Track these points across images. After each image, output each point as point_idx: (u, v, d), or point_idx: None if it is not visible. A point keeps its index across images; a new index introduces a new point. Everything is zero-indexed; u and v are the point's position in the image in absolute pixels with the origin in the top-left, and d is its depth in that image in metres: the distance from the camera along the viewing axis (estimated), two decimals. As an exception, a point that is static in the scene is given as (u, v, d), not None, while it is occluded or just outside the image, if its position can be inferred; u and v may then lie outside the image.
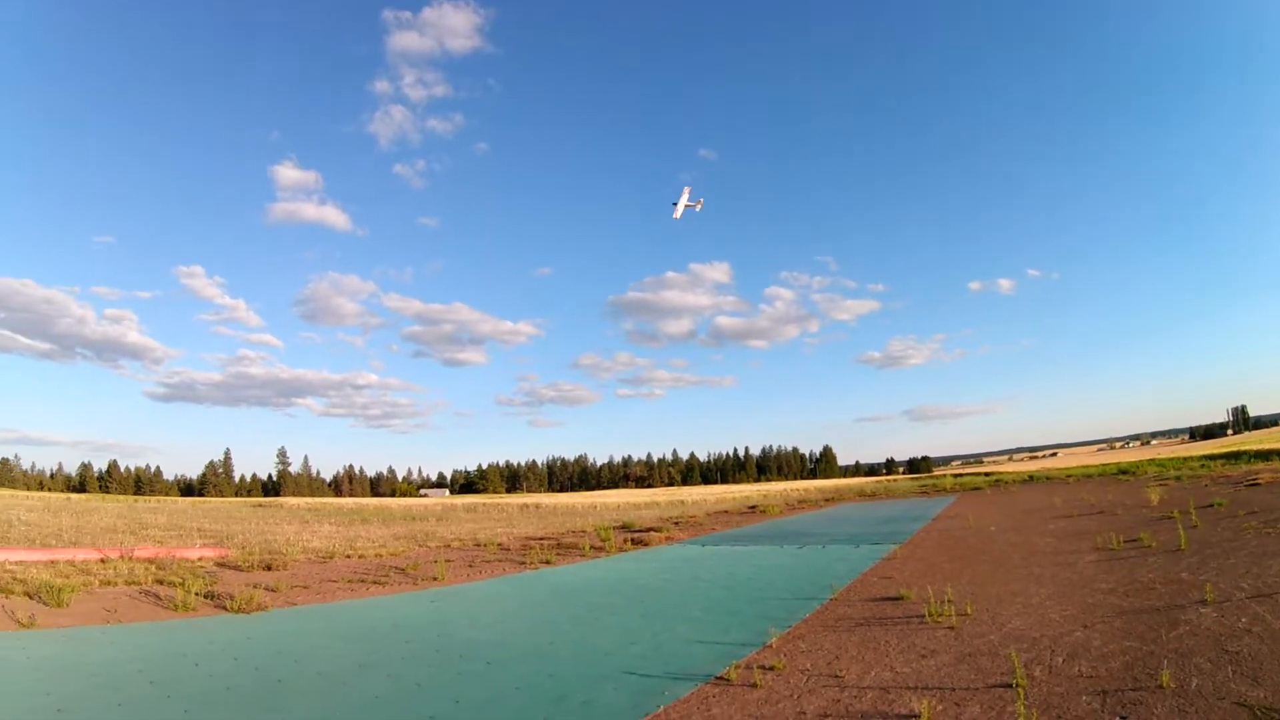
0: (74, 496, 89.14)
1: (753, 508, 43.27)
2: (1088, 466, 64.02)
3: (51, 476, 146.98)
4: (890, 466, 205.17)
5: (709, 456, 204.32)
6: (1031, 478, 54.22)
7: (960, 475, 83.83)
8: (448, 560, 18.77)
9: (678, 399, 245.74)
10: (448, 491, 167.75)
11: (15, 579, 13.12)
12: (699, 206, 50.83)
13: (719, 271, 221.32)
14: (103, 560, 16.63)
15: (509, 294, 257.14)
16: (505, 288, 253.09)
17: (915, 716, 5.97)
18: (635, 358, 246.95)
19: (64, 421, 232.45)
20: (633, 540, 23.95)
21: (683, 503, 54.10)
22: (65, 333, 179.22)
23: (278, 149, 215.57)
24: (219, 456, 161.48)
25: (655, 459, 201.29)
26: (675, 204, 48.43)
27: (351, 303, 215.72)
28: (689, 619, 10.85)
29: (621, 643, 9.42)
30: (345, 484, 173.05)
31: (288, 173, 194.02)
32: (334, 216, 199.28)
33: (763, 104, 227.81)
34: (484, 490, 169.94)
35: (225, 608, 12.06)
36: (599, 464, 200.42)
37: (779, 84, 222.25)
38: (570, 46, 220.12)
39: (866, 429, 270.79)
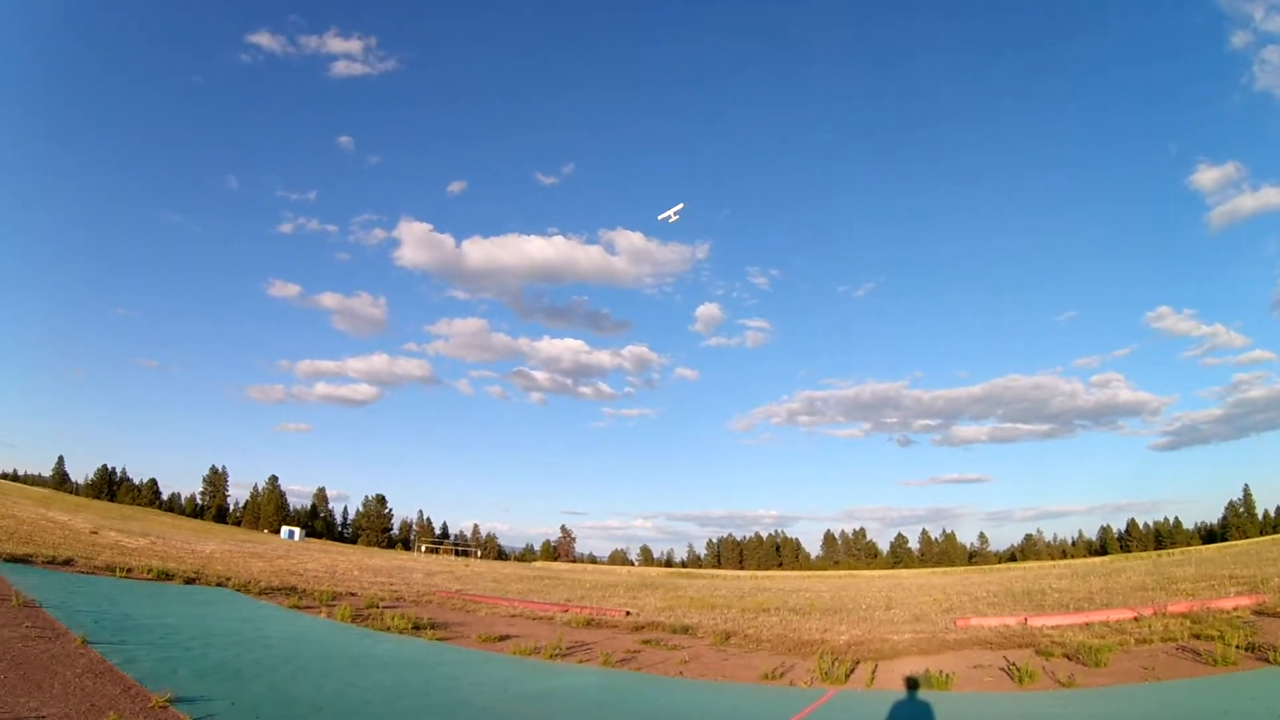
0: (1095, 560, 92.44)
1: None
2: None
3: (1073, 544, 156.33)
4: None
5: None
6: None
7: None
8: None
9: None
10: None
11: (1054, 642, 13.83)
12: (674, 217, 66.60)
13: None
14: (1135, 618, 16.29)
15: None
16: None
17: None
18: None
19: (1075, 491, 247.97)
20: None
21: None
22: (1060, 409, 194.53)
23: (1185, 156, 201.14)
24: (1237, 494, 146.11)
25: None
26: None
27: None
28: None
29: None
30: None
31: (1204, 175, 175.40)
32: (1274, 196, 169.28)
33: None
34: None
35: (1268, 660, 10.60)
36: None
37: None
38: None
39: None
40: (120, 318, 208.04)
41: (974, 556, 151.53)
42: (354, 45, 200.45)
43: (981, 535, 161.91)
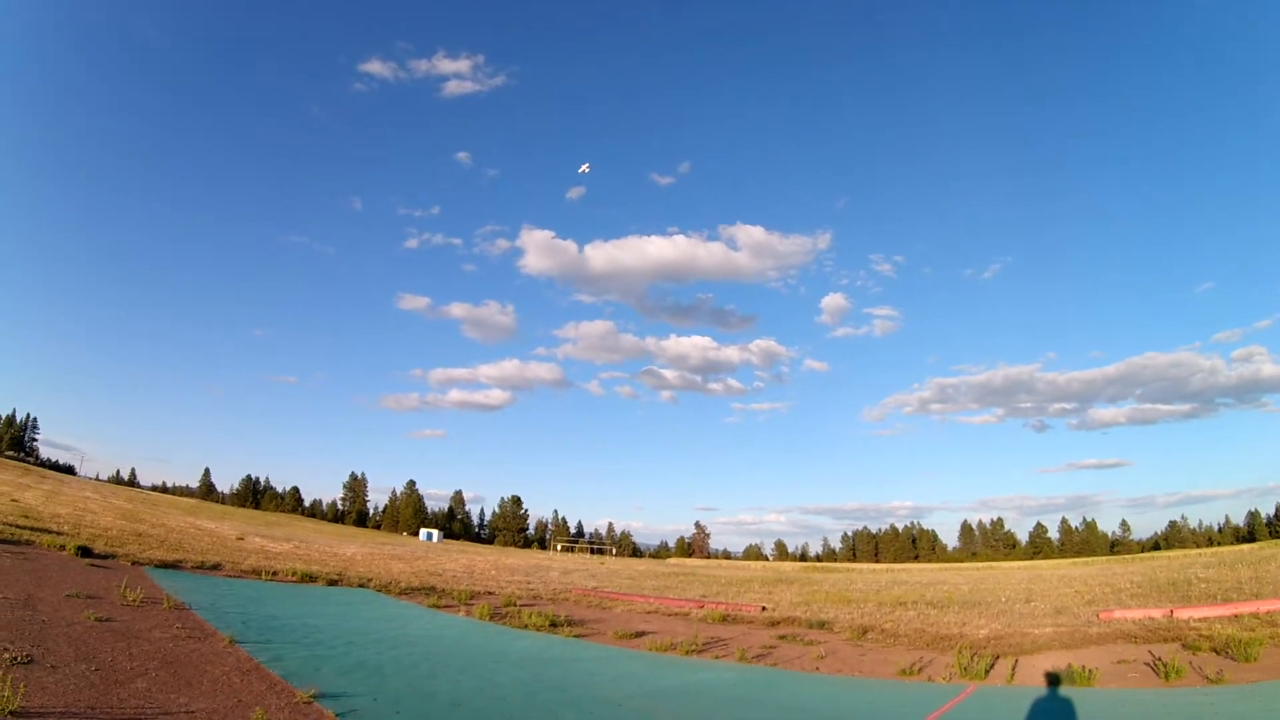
0: (1243, 547, 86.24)
1: None
2: None
3: (1219, 530, 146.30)
4: None
5: None
6: None
7: None
8: None
9: None
10: None
11: (1201, 635, 13.41)
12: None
13: None
14: (1290, 609, 15.51)
15: None
16: None
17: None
18: None
19: (1220, 473, 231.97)
20: None
21: None
22: (1201, 387, 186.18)
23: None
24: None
25: None
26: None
27: None
28: None
29: None
30: None
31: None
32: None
33: None
34: None
35: None
36: None
37: None
38: None
39: None
40: (258, 339, 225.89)
41: (1116, 546, 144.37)
42: (463, 65, 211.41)
43: (1123, 523, 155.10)
